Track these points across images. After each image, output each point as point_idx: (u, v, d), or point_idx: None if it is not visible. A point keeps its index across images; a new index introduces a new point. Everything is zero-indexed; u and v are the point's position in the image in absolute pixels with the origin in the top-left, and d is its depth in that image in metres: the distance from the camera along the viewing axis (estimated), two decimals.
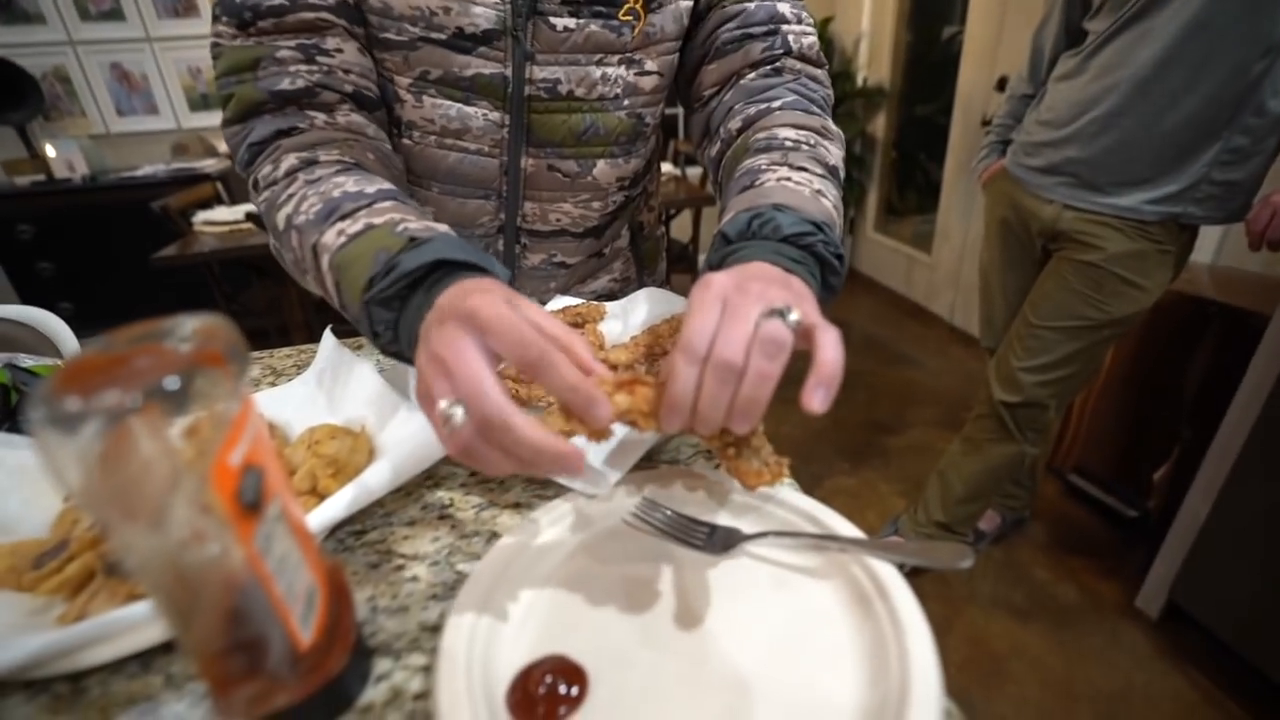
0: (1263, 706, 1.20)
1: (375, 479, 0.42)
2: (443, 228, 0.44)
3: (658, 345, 0.57)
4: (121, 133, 3.05)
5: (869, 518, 1.75)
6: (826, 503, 0.42)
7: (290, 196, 0.48)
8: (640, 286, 0.75)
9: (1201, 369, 1.47)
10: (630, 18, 0.56)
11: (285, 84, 0.50)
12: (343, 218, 0.44)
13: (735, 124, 0.58)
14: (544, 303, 0.68)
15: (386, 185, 0.48)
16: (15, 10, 2.72)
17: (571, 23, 0.55)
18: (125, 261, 2.77)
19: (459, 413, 0.32)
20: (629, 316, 0.63)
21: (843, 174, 0.54)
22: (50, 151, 2.77)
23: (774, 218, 0.43)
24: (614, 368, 0.54)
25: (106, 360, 0.25)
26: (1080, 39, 1.19)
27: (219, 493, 0.24)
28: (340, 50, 0.52)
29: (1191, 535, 1.30)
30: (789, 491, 0.43)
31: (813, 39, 0.61)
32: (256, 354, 0.70)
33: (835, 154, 0.54)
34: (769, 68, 0.59)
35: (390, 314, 0.41)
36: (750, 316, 0.33)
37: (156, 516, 0.24)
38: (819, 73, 0.61)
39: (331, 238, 0.44)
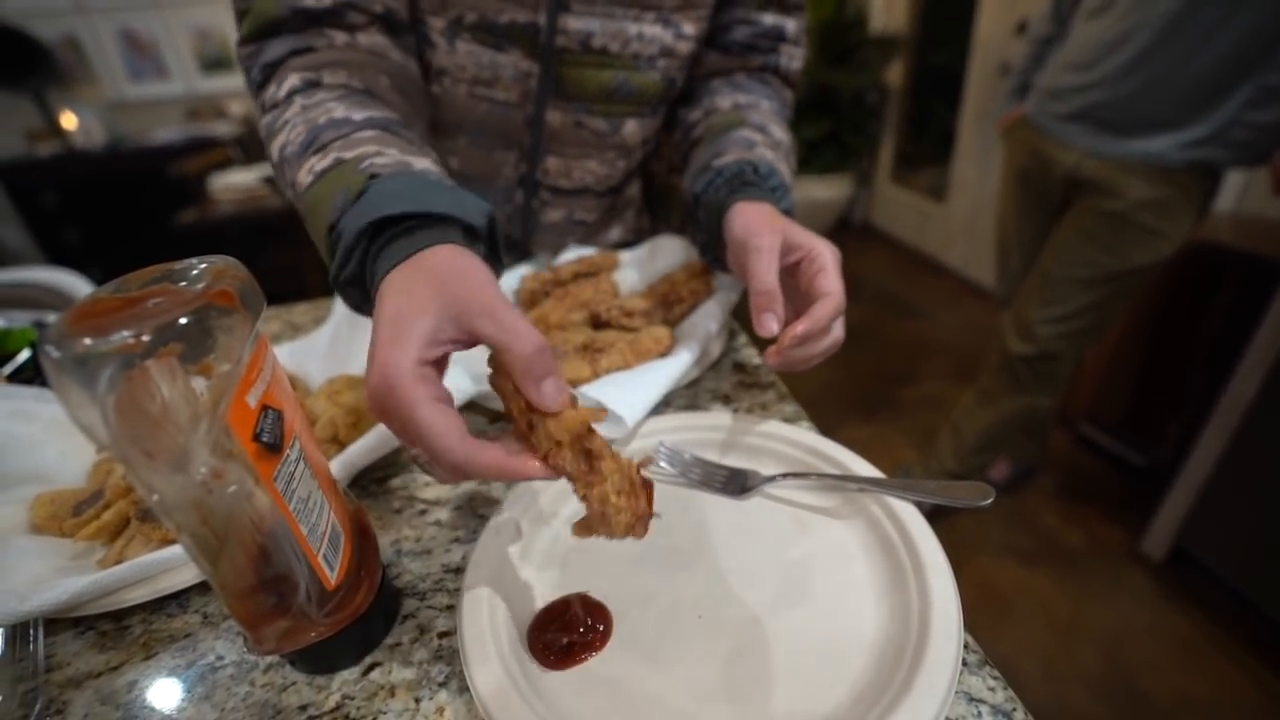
0: (1261, 643, 1.23)
1: None
2: (422, 164, 0.39)
3: (673, 293, 0.56)
4: (135, 98, 3.01)
5: (881, 467, 1.75)
6: None
7: (285, 124, 0.44)
8: (653, 236, 0.74)
9: (1219, 317, 1.44)
10: None
11: (311, 0, 0.46)
12: (317, 150, 0.40)
13: (725, 103, 0.61)
14: (558, 253, 0.67)
15: (380, 113, 0.43)
16: None
17: None
18: (147, 226, 2.77)
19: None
20: (643, 265, 0.62)
21: None
22: (71, 122, 2.77)
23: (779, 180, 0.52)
24: (629, 314, 0.53)
25: (119, 301, 0.24)
26: None
27: (238, 433, 0.24)
28: None
29: (1201, 479, 1.30)
30: (807, 433, 0.43)
31: (800, 64, 0.65)
32: (274, 309, 0.69)
33: (790, 171, 0.58)
34: (759, 75, 0.64)
35: (359, 293, 0.38)
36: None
37: (177, 458, 0.24)
38: (789, 95, 0.66)
39: (303, 176, 0.40)
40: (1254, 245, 1.39)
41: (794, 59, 0.65)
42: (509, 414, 0.31)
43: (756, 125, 0.57)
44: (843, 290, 0.42)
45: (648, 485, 0.30)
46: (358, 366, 0.52)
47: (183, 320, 0.23)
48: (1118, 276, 1.19)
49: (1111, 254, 1.18)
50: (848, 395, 2.14)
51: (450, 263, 0.32)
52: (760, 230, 0.43)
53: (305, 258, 2.28)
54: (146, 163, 2.74)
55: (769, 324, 0.40)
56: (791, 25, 0.63)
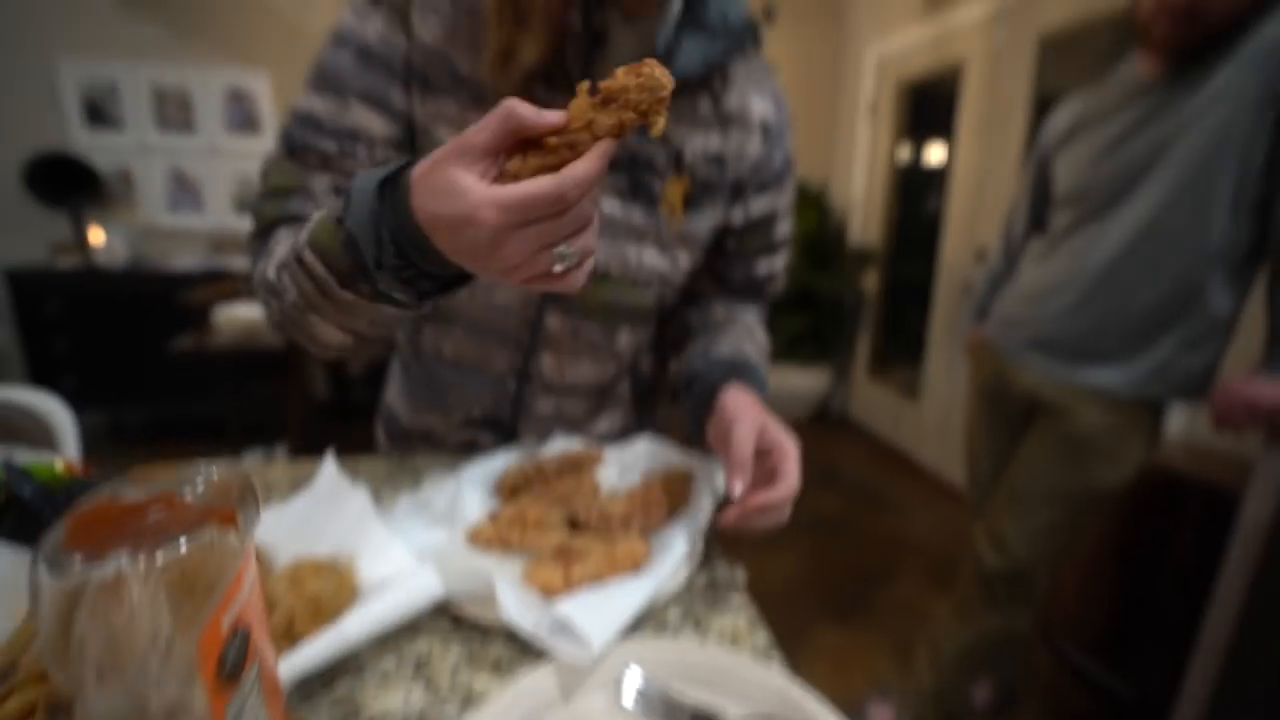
0: None
1: (355, 627, 0.40)
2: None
3: (652, 498, 0.57)
4: (168, 226, 3.20)
5: (855, 680, 1.63)
6: (811, 663, 0.41)
7: (272, 251, 0.50)
8: (638, 429, 0.77)
9: (1184, 543, 1.46)
10: (666, 212, 0.61)
11: (309, 210, 0.53)
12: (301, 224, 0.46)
13: (719, 310, 0.73)
14: (544, 439, 0.69)
15: None
16: (101, 114, 2.97)
17: (616, 207, 0.59)
18: (139, 345, 2.84)
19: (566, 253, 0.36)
20: (625, 465, 0.64)
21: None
22: (98, 238, 2.92)
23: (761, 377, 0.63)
24: (608, 518, 0.54)
25: (119, 511, 0.25)
26: (1047, 225, 1.30)
27: (203, 658, 0.24)
28: None
29: None
30: (777, 675, 0.41)
31: (781, 286, 0.76)
32: (252, 461, 0.68)
33: (767, 369, 0.67)
34: (748, 297, 0.75)
35: (410, 273, 0.39)
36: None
37: (130, 680, 0.23)
38: (767, 305, 0.78)
39: (302, 237, 0.44)
40: (1210, 474, 1.45)
41: (778, 284, 0.75)
42: (553, 162, 0.34)
43: (746, 328, 0.70)
44: (799, 480, 0.51)
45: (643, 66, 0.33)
46: (329, 544, 0.51)
47: (180, 541, 0.23)
48: (1079, 497, 1.23)
49: (1071, 475, 1.22)
50: (820, 591, 2.05)
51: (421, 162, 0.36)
52: (746, 411, 0.54)
53: (291, 394, 2.31)
54: (159, 286, 2.85)
55: (737, 486, 0.50)
56: (780, 262, 0.72)
